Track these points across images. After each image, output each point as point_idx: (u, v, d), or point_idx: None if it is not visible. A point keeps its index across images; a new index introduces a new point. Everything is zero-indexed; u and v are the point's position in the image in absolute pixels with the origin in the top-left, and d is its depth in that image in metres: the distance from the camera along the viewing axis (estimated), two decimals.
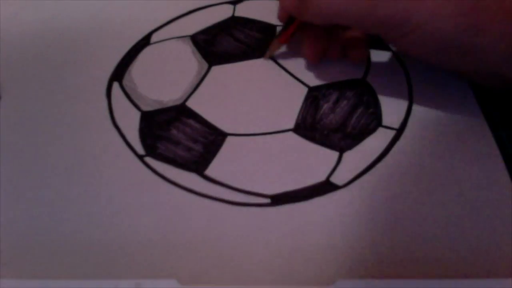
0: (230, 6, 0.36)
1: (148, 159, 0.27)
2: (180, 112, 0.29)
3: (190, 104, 0.29)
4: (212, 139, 0.28)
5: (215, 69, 0.31)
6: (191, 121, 0.28)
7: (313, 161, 0.26)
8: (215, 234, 0.24)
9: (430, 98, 0.29)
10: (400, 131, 0.28)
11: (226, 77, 0.31)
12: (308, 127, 0.28)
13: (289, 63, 0.32)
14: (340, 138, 0.27)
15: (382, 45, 0.33)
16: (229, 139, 0.28)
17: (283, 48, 0.32)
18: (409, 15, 0.24)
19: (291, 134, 0.28)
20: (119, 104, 0.30)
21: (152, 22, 0.35)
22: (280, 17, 0.31)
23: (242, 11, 0.36)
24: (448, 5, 0.24)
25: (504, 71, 0.25)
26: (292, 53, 0.32)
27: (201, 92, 0.30)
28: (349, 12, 0.25)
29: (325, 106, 0.29)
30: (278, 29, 0.34)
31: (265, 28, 0.34)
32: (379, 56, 0.32)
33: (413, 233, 0.23)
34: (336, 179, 0.26)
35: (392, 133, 0.28)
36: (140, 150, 0.27)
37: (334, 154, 0.27)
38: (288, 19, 0.30)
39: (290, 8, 0.28)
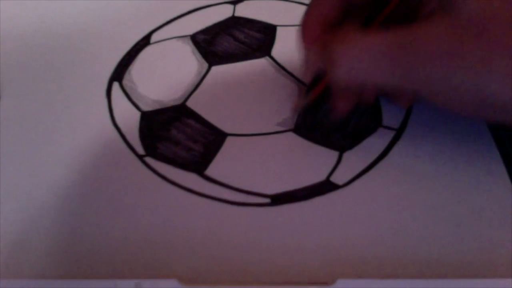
0: (230, 6, 0.36)
1: (148, 159, 0.27)
2: (180, 112, 0.29)
3: (190, 104, 0.29)
4: (212, 139, 0.28)
5: (215, 69, 0.31)
6: (191, 121, 0.28)
7: (313, 161, 0.26)
8: (215, 234, 0.24)
9: None
10: (400, 131, 0.28)
11: (226, 77, 0.31)
12: (308, 127, 0.28)
13: (289, 63, 0.32)
14: (340, 138, 0.27)
15: None
16: (229, 139, 0.28)
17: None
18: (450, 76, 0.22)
19: (291, 134, 0.28)
20: (119, 104, 0.30)
21: (152, 22, 0.35)
22: (306, 79, 0.28)
23: (242, 11, 0.36)
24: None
25: None
26: (292, 53, 0.32)
27: (201, 92, 0.30)
28: (381, 76, 0.23)
29: (325, 106, 0.29)
30: (279, 29, 0.34)
31: (265, 28, 0.34)
32: None
33: (413, 233, 0.23)
34: (336, 178, 0.26)
35: (392, 133, 0.28)
36: (140, 150, 0.27)
37: (334, 154, 0.27)
38: (315, 76, 0.27)
39: (318, 68, 0.26)
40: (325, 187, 0.25)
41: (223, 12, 0.36)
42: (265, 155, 0.27)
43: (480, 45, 0.21)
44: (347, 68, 0.24)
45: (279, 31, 0.34)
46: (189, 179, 0.26)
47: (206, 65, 0.32)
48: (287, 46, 0.32)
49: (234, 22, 0.35)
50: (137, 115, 0.29)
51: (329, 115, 0.28)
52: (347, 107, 0.27)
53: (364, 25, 0.25)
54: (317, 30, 0.26)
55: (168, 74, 0.31)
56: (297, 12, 0.28)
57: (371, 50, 0.23)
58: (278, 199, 0.25)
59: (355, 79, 0.24)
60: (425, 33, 0.22)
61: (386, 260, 0.22)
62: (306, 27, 0.27)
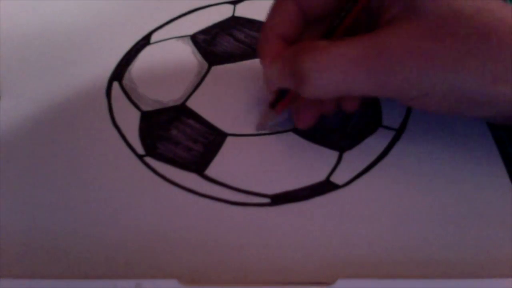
0: (230, 6, 0.36)
1: (148, 159, 0.27)
2: (180, 112, 0.29)
3: (190, 104, 0.29)
4: (212, 139, 0.28)
5: (215, 69, 0.31)
6: (191, 121, 0.28)
7: (313, 161, 0.26)
8: (215, 234, 0.24)
9: None
10: (400, 131, 0.28)
11: (226, 77, 0.31)
12: None
13: None
14: (340, 138, 0.27)
15: None
16: (229, 139, 0.28)
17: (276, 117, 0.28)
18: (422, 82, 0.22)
19: (291, 134, 0.28)
20: (119, 104, 0.30)
21: (152, 22, 0.35)
22: (269, 89, 0.27)
23: (242, 11, 0.36)
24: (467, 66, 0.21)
25: None
26: None
27: (201, 92, 0.30)
28: (355, 87, 0.23)
29: None
30: None
31: None
32: None
33: (413, 233, 0.23)
34: (336, 179, 0.26)
35: (392, 133, 0.28)
36: (140, 150, 0.27)
37: (334, 154, 0.27)
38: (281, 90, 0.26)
39: (283, 85, 0.25)
40: (325, 187, 0.25)
41: (223, 12, 0.36)
42: (265, 155, 0.27)
43: (452, 44, 0.21)
44: (320, 82, 0.23)
45: None
46: (189, 179, 0.26)
47: (206, 65, 0.32)
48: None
49: (234, 22, 0.35)
50: (137, 115, 0.29)
51: (329, 115, 0.28)
52: (315, 113, 0.27)
53: (325, 37, 0.24)
54: (277, 46, 0.25)
55: (168, 74, 0.31)
56: None
57: (344, 60, 0.22)
58: (278, 199, 0.25)
59: (328, 92, 0.23)
60: (396, 37, 0.22)
61: (386, 260, 0.22)
62: (265, 43, 0.26)
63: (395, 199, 0.25)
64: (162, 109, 0.29)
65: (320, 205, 0.25)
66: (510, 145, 0.27)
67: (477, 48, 0.21)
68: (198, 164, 0.26)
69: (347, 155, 0.27)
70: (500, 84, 0.21)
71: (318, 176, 0.26)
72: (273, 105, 0.27)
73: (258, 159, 0.27)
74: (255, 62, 0.32)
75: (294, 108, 0.27)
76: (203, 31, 0.34)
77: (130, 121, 0.29)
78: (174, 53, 0.33)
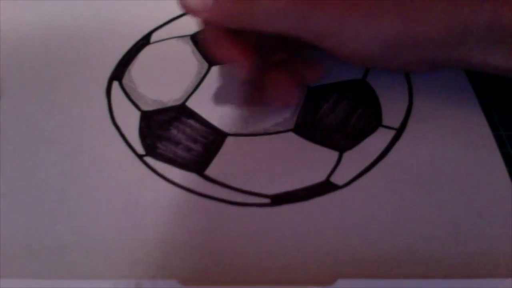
0: None
1: (148, 159, 0.27)
2: (180, 112, 0.29)
3: (190, 104, 0.29)
4: (212, 139, 0.28)
5: (215, 69, 0.31)
6: (191, 121, 0.28)
7: (313, 161, 0.26)
8: (215, 234, 0.24)
9: (430, 98, 0.29)
10: (400, 131, 0.28)
11: (226, 77, 0.31)
12: (308, 127, 0.28)
13: None
14: (340, 138, 0.27)
15: None
16: (229, 139, 0.28)
17: None
18: (338, 30, 0.25)
19: (291, 134, 0.28)
20: (119, 104, 0.30)
21: (152, 21, 0.35)
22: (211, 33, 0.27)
23: None
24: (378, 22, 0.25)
25: (438, 59, 0.26)
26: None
27: (201, 92, 0.30)
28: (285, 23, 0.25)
29: (325, 106, 0.29)
30: None
31: None
32: None
33: (413, 233, 0.23)
34: (336, 179, 0.26)
35: (392, 133, 0.28)
36: (140, 149, 0.27)
37: (334, 154, 0.27)
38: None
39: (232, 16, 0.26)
40: (325, 187, 0.25)
41: None
42: (265, 155, 0.27)
43: None
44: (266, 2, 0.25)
45: None
46: (189, 179, 0.26)
47: (206, 65, 0.32)
48: None
49: None
50: (137, 114, 0.29)
51: (329, 115, 0.28)
52: (291, 90, 0.28)
53: None
54: None
55: (168, 74, 0.31)
56: None
57: None
58: (278, 199, 0.25)
59: (271, 18, 0.25)
60: None
61: (386, 260, 0.22)
62: None
63: (395, 199, 0.25)
64: (162, 109, 0.29)
65: (320, 205, 0.25)
66: (510, 145, 0.27)
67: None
68: (198, 164, 0.26)
69: (347, 155, 0.27)
70: (421, 24, 0.24)
71: (318, 176, 0.26)
72: (252, 97, 0.28)
73: (258, 159, 0.27)
74: None
75: (268, 88, 0.28)
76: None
77: (130, 121, 0.29)
78: (174, 53, 0.33)
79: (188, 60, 0.32)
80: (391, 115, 0.28)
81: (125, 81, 0.31)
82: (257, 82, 0.28)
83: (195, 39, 0.34)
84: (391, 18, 0.24)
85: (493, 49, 0.25)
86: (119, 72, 0.32)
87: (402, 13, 0.24)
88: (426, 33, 0.24)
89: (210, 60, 0.32)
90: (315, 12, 0.24)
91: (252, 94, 0.28)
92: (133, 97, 0.30)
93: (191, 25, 0.35)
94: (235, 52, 0.26)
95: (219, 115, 0.29)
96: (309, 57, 0.29)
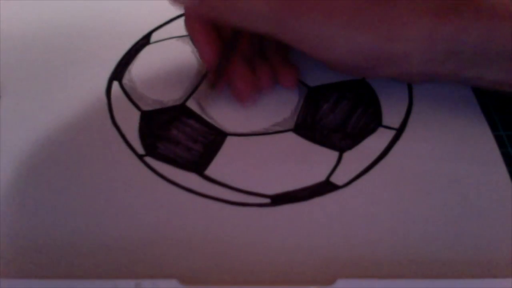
0: None
1: (148, 159, 0.27)
2: (180, 112, 0.29)
3: (190, 104, 0.29)
4: (212, 139, 0.28)
5: None
6: (191, 121, 0.28)
7: (313, 161, 0.26)
8: (215, 234, 0.24)
9: (430, 98, 0.29)
10: (400, 131, 0.28)
11: None
12: (308, 127, 0.28)
13: None
14: (340, 138, 0.27)
15: None
16: (229, 139, 0.28)
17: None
18: (314, 37, 0.25)
19: (291, 134, 0.28)
20: (119, 104, 0.30)
21: (152, 21, 0.35)
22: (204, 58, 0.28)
23: None
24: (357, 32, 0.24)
25: (425, 73, 0.26)
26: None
27: (201, 92, 0.30)
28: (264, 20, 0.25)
29: (325, 106, 0.29)
30: None
31: None
32: None
33: (413, 233, 0.23)
34: (336, 179, 0.26)
35: (392, 133, 0.28)
36: (140, 149, 0.27)
37: (334, 154, 0.27)
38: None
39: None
40: (325, 187, 0.25)
41: None
42: (265, 155, 0.27)
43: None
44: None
45: None
46: (189, 179, 0.26)
47: None
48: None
49: None
50: (137, 114, 0.29)
51: (329, 115, 0.28)
52: (249, 78, 0.28)
53: None
54: None
55: (168, 74, 0.31)
56: None
57: None
58: (278, 199, 0.25)
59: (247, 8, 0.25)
60: None
61: (386, 260, 0.22)
62: None
63: (395, 199, 0.25)
64: (162, 109, 0.29)
65: (320, 205, 0.25)
66: (510, 145, 0.27)
67: (372, 5, 0.23)
68: (198, 164, 0.26)
69: (347, 155, 0.27)
70: (396, 41, 0.24)
71: (318, 176, 0.26)
72: (213, 85, 0.28)
73: (258, 159, 0.27)
74: None
75: (231, 81, 0.28)
76: None
77: (130, 121, 0.29)
78: (174, 53, 0.33)
79: (188, 60, 0.32)
80: (391, 115, 0.28)
81: (125, 81, 0.31)
82: (221, 71, 0.28)
83: None
84: (367, 33, 0.24)
85: (486, 66, 0.24)
86: (119, 72, 0.32)
87: (381, 29, 0.24)
88: (401, 50, 0.24)
89: None
90: (295, 16, 0.24)
91: (213, 80, 0.28)
92: (133, 97, 0.30)
93: None
94: (203, 40, 0.28)
95: (219, 115, 0.29)
96: (286, 60, 0.30)
